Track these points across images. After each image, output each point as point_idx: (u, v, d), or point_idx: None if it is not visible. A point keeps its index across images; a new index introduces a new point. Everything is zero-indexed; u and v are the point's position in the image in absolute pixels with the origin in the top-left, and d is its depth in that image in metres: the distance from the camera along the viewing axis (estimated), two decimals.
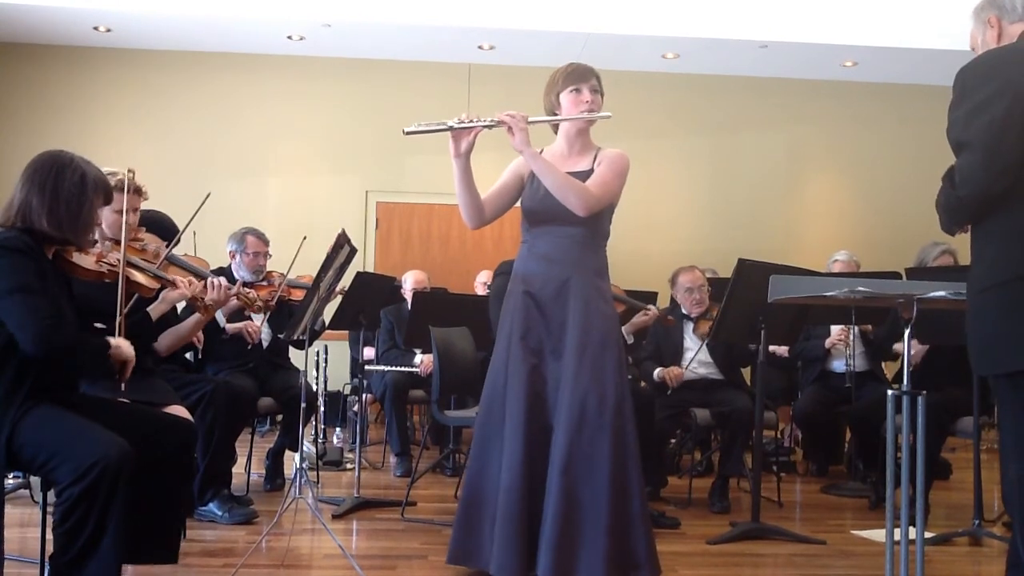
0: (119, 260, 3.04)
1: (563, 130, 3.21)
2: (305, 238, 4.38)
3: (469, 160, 3.02)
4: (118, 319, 2.83)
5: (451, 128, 2.92)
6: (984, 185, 2.17)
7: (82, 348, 2.64)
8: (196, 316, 3.63)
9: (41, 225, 2.60)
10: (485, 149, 3.04)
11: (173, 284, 3.32)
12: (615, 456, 2.97)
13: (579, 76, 3.14)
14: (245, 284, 4.58)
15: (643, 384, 4.99)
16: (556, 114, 3.16)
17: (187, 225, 3.75)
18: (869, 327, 5.23)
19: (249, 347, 4.60)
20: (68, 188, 2.63)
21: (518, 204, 3.27)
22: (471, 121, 2.93)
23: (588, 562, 2.92)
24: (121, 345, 2.72)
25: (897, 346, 5.21)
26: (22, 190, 2.62)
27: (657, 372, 4.84)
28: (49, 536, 2.64)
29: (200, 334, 4.07)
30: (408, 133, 2.87)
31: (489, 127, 2.96)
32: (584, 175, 3.12)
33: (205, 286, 3.53)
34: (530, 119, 3.00)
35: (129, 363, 2.74)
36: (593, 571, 2.91)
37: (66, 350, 2.57)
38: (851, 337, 5.25)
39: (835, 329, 5.36)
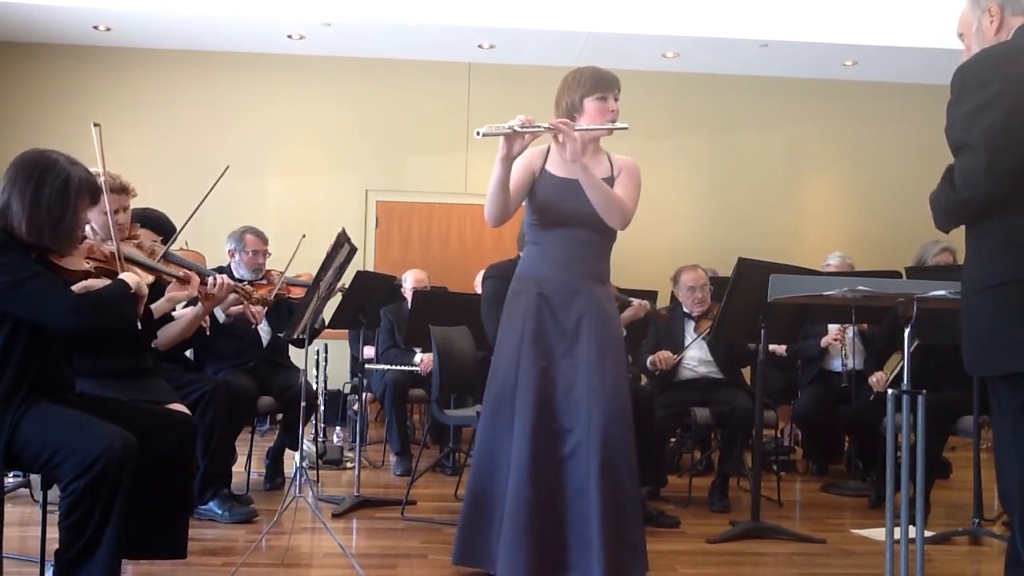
0: (110, 253, 3.01)
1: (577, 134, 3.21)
2: (304, 236, 4.36)
3: (512, 163, 3.01)
4: None
5: (516, 131, 2.91)
6: (987, 189, 2.16)
7: (114, 301, 2.57)
8: (194, 310, 3.61)
9: (20, 233, 2.52)
10: (488, 149, 3.04)
11: (178, 280, 3.30)
12: (631, 453, 3.02)
13: (606, 84, 3.13)
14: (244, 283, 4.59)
15: (643, 382, 4.99)
16: (575, 115, 3.14)
17: (200, 204, 3.72)
18: (866, 326, 5.23)
19: (251, 332, 4.56)
20: (49, 193, 2.52)
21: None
22: (532, 126, 2.92)
23: (636, 560, 2.97)
24: (137, 279, 2.65)
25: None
26: (3, 192, 2.53)
27: (649, 359, 4.85)
28: (49, 535, 2.65)
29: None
30: (484, 135, 2.86)
31: (545, 132, 2.98)
32: (605, 182, 3.12)
33: (205, 283, 3.53)
34: (575, 128, 2.99)
35: (142, 299, 2.67)
36: (639, 569, 2.96)
37: (103, 312, 2.52)
38: (850, 336, 5.25)
39: (832, 328, 5.37)
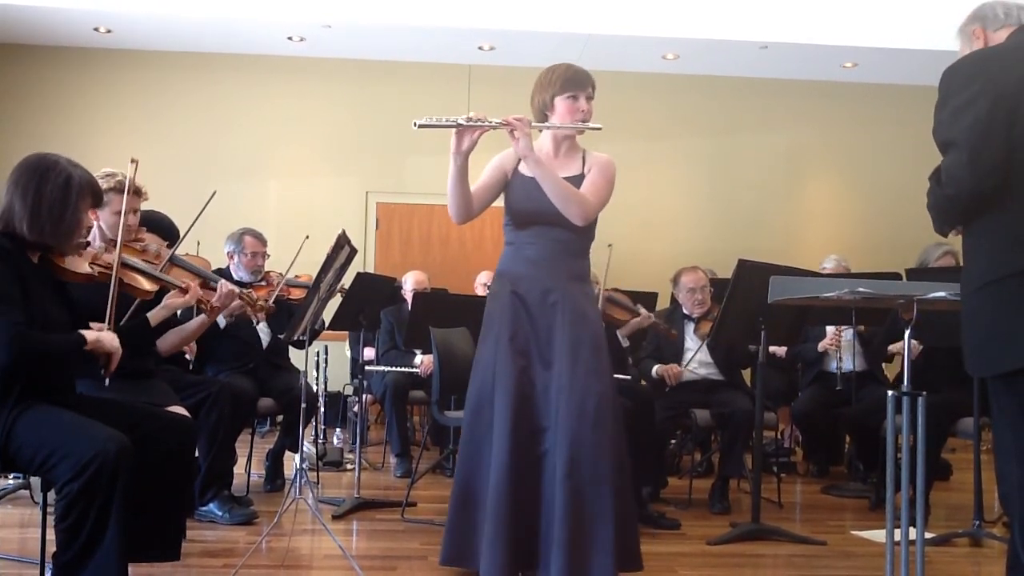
0: (114, 262, 3.02)
1: (551, 132, 3.20)
2: (307, 237, 4.36)
3: (468, 159, 3.02)
4: (106, 325, 2.76)
5: (459, 125, 2.93)
6: (970, 184, 2.20)
7: (56, 350, 2.57)
8: (201, 318, 3.61)
9: (22, 230, 2.56)
10: (482, 149, 3.04)
11: (179, 289, 3.29)
12: (612, 454, 2.98)
13: (577, 83, 3.11)
14: (243, 285, 4.58)
15: (643, 383, 4.99)
16: (547, 114, 3.15)
17: (192, 225, 3.74)
18: (862, 328, 5.23)
19: (249, 323, 4.56)
20: (51, 192, 2.58)
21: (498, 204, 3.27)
22: (479, 120, 2.94)
23: (599, 562, 2.93)
24: (102, 338, 2.64)
25: (891, 347, 5.22)
26: (7, 194, 2.59)
27: (656, 369, 4.84)
28: (49, 536, 2.65)
29: (194, 343, 4.07)
30: (420, 126, 2.88)
31: (495, 128, 2.97)
32: (574, 180, 3.11)
33: (211, 289, 3.52)
34: (532, 124, 3.00)
35: (114, 355, 2.67)
36: (605, 571, 2.92)
37: (37, 355, 2.52)
38: (848, 338, 5.25)
39: (830, 330, 5.37)
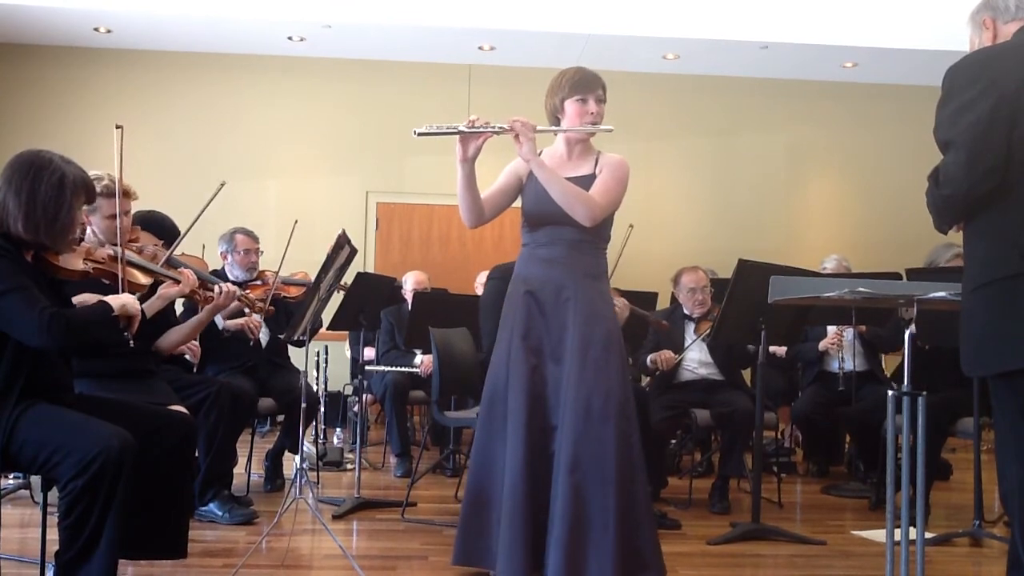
0: (107, 256, 3.02)
1: (564, 135, 3.21)
2: (296, 221, 4.33)
3: (474, 164, 3.02)
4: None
5: (460, 132, 2.92)
6: (967, 185, 2.19)
7: (88, 322, 2.55)
8: (198, 317, 3.61)
9: (17, 230, 2.53)
10: (487, 151, 3.04)
11: (173, 280, 3.30)
12: (621, 455, 2.98)
13: (586, 86, 3.12)
14: (239, 283, 4.59)
15: (648, 380, 4.99)
16: (558, 117, 3.16)
17: (198, 217, 3.72)
18: (863, 328, 5.23)
19: (251, 343, 4.58)
20: (45, 191, 2.55)
21: (517, 204, 3.28)
22: (481, 126, 2.93)
23: (598, 562, 2.92)
24: (125, 303, 2.62)
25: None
26: (0, 193, 2.56)
27: (649, 358, 4.85)
28: (49, 536, 2.65)
29: (197, 347, 4.07)
30: (420, 134, 2.87)
31: (497, 133, 2.96)
32: (585, 180, 3.12)
33: (210, 290, 3.53)
34: (537, 128, 3.01)
35: (135, 318, 2.64)
36: (603, 571, 2.91)
37: (76, 334, 2.52)
38: (849, 338, 5.25)
39: (831, 330, 5.37)
